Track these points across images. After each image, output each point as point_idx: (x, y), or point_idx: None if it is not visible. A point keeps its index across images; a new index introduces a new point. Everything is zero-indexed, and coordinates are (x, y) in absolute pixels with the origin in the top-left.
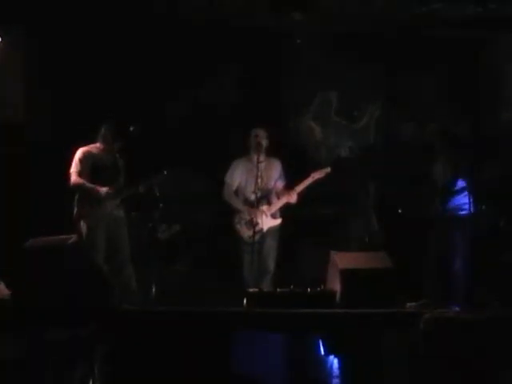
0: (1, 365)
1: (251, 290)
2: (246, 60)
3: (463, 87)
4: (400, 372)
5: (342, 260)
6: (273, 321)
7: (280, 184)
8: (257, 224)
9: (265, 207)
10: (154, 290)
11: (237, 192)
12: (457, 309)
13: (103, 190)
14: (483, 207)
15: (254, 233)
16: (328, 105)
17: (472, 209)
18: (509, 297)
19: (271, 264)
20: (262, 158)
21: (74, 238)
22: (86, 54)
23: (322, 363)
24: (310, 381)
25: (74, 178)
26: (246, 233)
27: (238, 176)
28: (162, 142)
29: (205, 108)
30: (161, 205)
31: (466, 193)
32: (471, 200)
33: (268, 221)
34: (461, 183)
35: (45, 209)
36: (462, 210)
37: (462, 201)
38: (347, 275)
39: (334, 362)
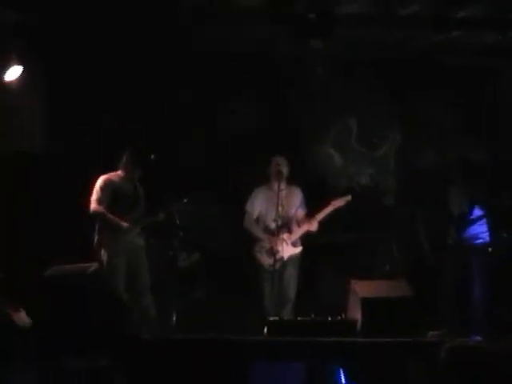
0: None
1: (272, 318)
2: (263, 88)
3: (482, 114)
4: None
5: (363, 288)
6: (293, 349)
7: (301, 212)
8: (277, 252)
9: (285, 235)
10: (174, 318)
11: (257, 220)
12: (478, 338)
13: (124, 224)
14: (504, 235)
15: (275, 261)
16: (348, 132)
17: (489, 237)
18: None
19: (292, 292)
20: (282, 185)
21: (94, 266)
22: (102, 84)
23: None
24: None
25: (94, 206)
26: (266, 261)
27: (259, 204)
28: (182, 170)
29: (224, 135)
30: (181, 233)
31: (482, 221)
32: (488, 228)
33: (288, 249)
34: (477, 212)
35: (65, 237)
36: (479, 238)
37: (479, 230)
38: (368, 304)
39: None
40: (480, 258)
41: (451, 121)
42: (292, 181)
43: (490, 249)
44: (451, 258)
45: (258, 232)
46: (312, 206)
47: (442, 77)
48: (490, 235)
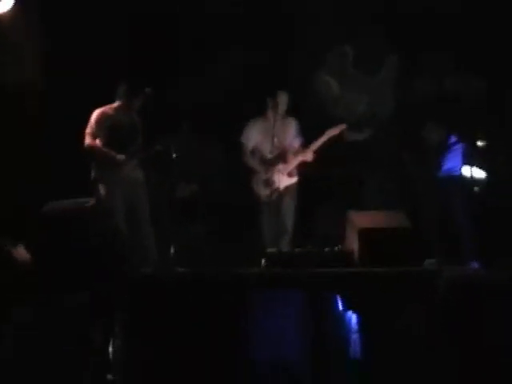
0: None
1: (269, 250)
2: (254, 18)
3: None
4: (418, 328)
5: (360, 219)
6: (291, 280)
7: (296, 142)
8: (273, 183)
9: (281, 166)
10: (172, 251)
11: (253, 152)
12: (476, 265)
13: (119, 157)
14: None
15: (271, 192)
16: (344, 58)
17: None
18: None
19: (289, 223)
20: (278, 117)
21: (92, 201)
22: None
23: (341, 319)
24: (329, 336)
25: (88, 140)
26: (263, 192)
27: (254, 136)
28: (178, 105)
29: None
30: (178, 165)
31: (457, 152)
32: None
33: (284, 179)
34: (452, 140)
35: (62, 171)
36: (455, 169)
37: (454, 160)
38: (365, 234)
39: (353, 317)
40: (457, 188)
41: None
42: (288, 112)
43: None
44: (432, 190)
45: (253, 164)
46: (309, 137)
47: None
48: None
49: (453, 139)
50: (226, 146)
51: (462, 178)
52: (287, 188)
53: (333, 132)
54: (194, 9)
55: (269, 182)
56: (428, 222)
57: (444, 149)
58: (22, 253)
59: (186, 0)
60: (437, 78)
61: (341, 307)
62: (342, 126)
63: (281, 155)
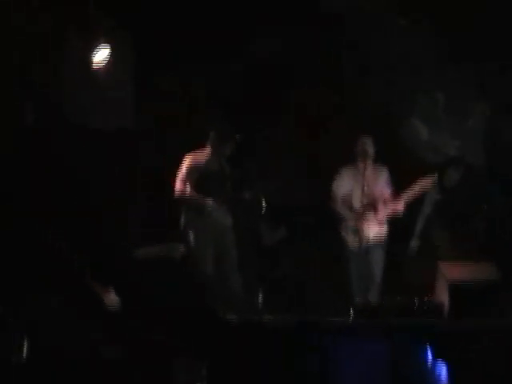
0: None
1: (358, 300)
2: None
3: None
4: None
5: (450, 271)
6: (379, 331)
7: (386, 191)
8: (363, 232)
9: (371, 215)
10: (260, 297)
11: (344, 200)
12: None
13: (209, 202)
14: None
15: (361, 241)
16: (434, 103)
17: None
18: None
19: (378, 273)
20: (368, 165)
21: (182, 247)
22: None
23: (430, 369)
24: None
25: (179, 185)
26: (352, 241)
27: (345, 184)
28: (268, 150)
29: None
30: (265, 211)
31: None
32: None
33: (374, 228)
34: None
35: (154, 217)
36: None
37: None
38: (455, 287)
39: (442, 368)
40: None
41: None
42: (378, 159)
43: None
44: None
45: (343, 211)
46: (399, 183)
47: None
48: None
49: None
50: (316, 193)
51: None
52: (376, 237)
53: (425, 182)
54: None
55: (358, 231)
56: None
57: None
58: (112, 297)
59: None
60: None
61: (430, 357)
62: (434, 177)
63: (371, 204)
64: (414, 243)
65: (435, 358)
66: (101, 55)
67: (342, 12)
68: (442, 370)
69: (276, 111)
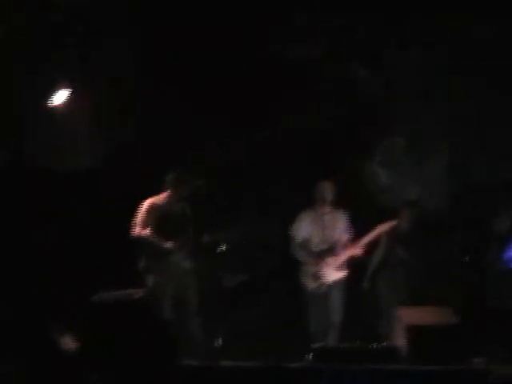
0: None
1: (316, 345)
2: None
3: None
4: None
5: (408, 315)
6: (338, 376)
7: (345, 236)
8: (322, 276)
9: (330, 259)
10: (219, 342)
11: (303, 244)
12: None
13: (168, 244)
14: None
15: (320, 285)
16: (394, 149)
17: None
18: None
19: (337, 317)
20: (327, 209)
21: (141, 291)
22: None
23: None
24: None
25: (137, 229)
26: (311, 285)
27: (304, 228)
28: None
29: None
30: (226, 255)
31: None
32: None
33: (333, 273)
34: None
35: (112, 262)
36: None
37: None
38: (413, 331)
39: None
40: None
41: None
42: (338, 203)
43: None
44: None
45: (302, 256)
46: (359, 227)
47: None
48: None
49: None
50: (274, 236)
51: None
52: (336, 281)
53: (384, 228)
54: None
55: (317, 275)
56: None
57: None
58: (68, 342)
59: None
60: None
61: None
62: (393, 223)
63: (330, 248)
64: (366, 285)
65: None
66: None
67: None
68: None
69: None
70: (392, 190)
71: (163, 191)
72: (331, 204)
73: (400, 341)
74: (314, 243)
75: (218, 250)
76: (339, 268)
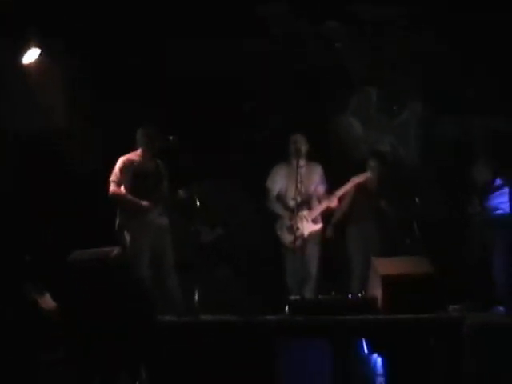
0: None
1: (293, 297)
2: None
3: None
4: (442, 373)
5: (383, 266)
6: (315, 328)
7: (321, 189)
8: (298, 229)
9: (305, 212)
10: (196, 297)
11: (278, 197)
12: (501, 310)
13: (144, 203)
14: None
15: (296, 238)
16: (367, 100)
17: (509, 208)
18: None
19: (313, 270)
20: (301, 163)
21: (117, 249)
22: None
23: (366, 362)
24: (355, 379)
25: (112, 188)
26: (287, 238)
27: (279, 182)
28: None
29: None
30: (202, 210)
31: (503, 191)
32: (509, 199)
33: (309, 226)
34: (498, 182)
35: (88, 219)
36: (499, 209)
37: (499, 200)
38: (388, 281)
39: (378, 360)
40: (501, 229)
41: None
42: (312, 157)
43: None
44: (472, 230)
45: (278, 209)
46: (334, 179)
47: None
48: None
49: (498, 181)
50: (252, 191)
51: (506, 219)
52: (311, 234)
53: (357, 180)
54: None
55: (293, 229)
56: (466, 263)
57: (490, 190)
58: (47, 301)
59: None
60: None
61: (366, 351)
62: (367, 175)
63: (305, 201)
64: (328, 233)
65: (371, 351)
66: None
67: None
68: (378, 364)
69: (209, 111)
70: (365, 141)
71: (136, 148)
72: (306, 157)
73: (375, 291)
74: (289, 196)
75: (194, 205)
76: (315, 221)
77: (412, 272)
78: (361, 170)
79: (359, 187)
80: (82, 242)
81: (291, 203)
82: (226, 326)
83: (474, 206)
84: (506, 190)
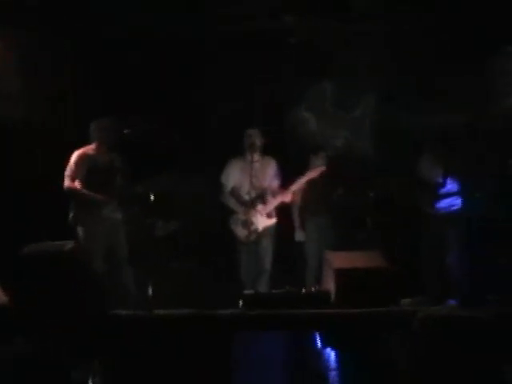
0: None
1: (247, 291)
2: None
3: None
4: (396, 367)
5: (337, 259)
6: (269, 322)
7: (275, 183)
8: (252, 224)
9: (260, 207)
10: (150, 291)
11: (232, 192)
12: (453, 303)
13: (100, 197)
14: (476, 195)
15: (250, 233)
16: (322, 95)
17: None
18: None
19: (267, 263)
20: (256, 157)
21: (71, 243)
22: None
23: (320, 356)
24: (309, 373)
25: (67, 182)
26: (241, 233)
27: (233, 176)
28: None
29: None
30: (152, 197)
31: (456, 195)
32: (462, 199)
33: (263, 220)
34: (450, 185)
35: (42, 213)
36: (453, 205)
37: (453, 202)
38: (341, 275)
39: (331, 354)
40: (454, 225)
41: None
42: (267, 152)
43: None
44: (427, 227)
45: (232, 204)
46: (289, 173)
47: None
48: (463, 200)
49: (448, 178)
50: (206, 185)
51: (459, 215)
52: (265, 229)
53: (312, 174)
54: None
55: (247, 223)
56: (423, 257)
57: (440, 186)
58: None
59: None
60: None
61: (319, 344)
62: (322, 168)
63: (260, 196)
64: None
65: (324, 345)
66: None
67: None
68: (331, 358)
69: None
70: (320, 135)
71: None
72: (260, 151)
73: (329, 285)
74: (243, 191)
75: (149, 199)
76: (269, 215)
77: (365, 266)
78: (315, 164)
79: (314, 181)
80: (34, 236)
81: (246, 198)
82: (179, 319)
83: (426, 204)
84: (456, 188)
